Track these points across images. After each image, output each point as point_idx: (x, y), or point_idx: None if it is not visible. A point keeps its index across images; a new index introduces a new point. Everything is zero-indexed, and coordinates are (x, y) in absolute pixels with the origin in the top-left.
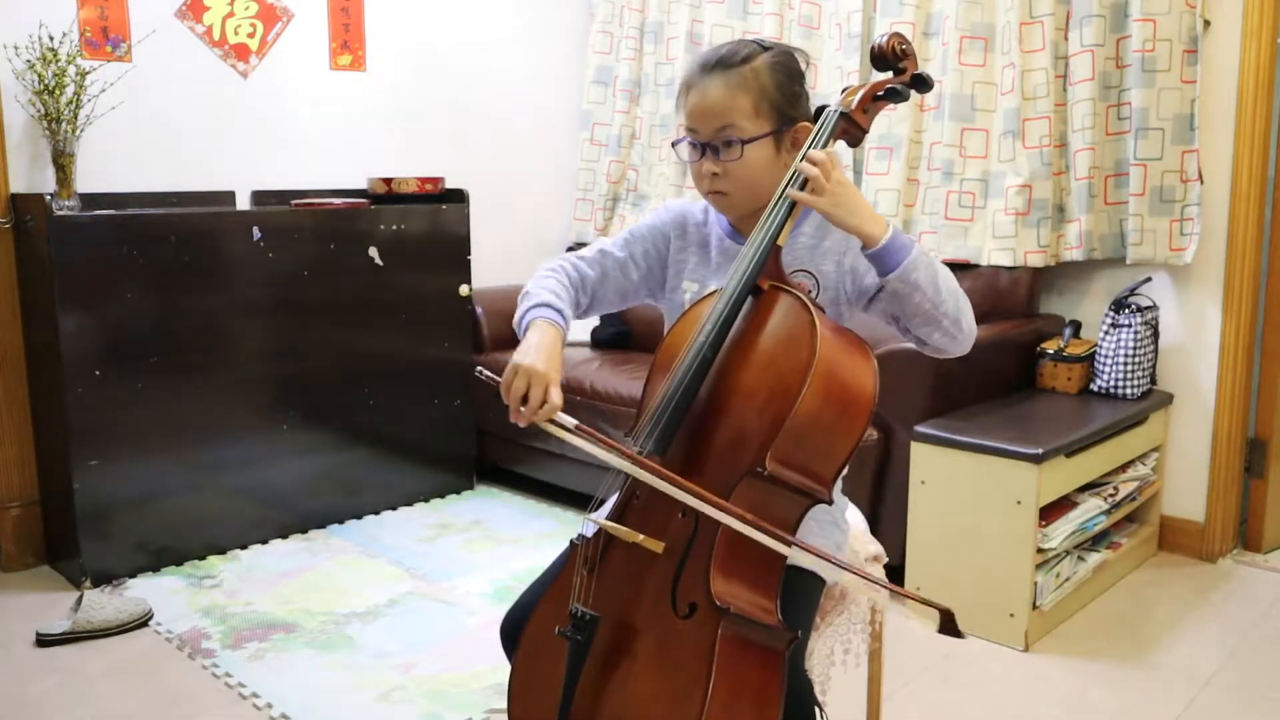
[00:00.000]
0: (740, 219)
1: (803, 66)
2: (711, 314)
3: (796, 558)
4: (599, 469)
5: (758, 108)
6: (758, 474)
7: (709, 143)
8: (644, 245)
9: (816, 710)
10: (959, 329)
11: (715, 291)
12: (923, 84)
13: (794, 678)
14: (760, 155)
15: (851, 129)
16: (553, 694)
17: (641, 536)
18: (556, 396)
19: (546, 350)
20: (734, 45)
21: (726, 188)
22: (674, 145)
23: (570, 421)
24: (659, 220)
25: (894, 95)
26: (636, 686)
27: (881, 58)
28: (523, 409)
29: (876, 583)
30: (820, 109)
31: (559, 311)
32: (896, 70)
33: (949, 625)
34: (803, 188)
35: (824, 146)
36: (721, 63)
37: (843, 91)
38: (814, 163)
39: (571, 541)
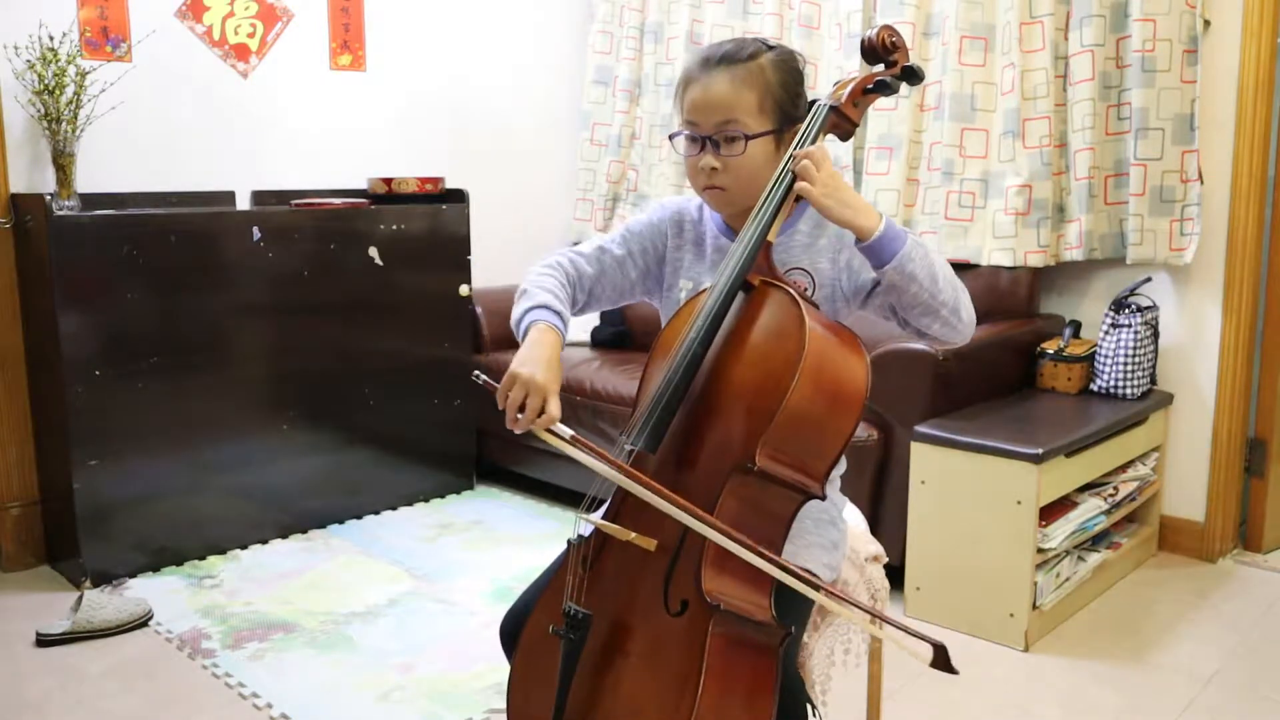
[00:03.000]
0: (734, 216)
1: (802, 69)
2: (702, 310)
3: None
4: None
5: (762, 104)
6: (748, 469)
7: (709, 136)
8: (642, 242)
9: (809, 709)
10: (958, 318)
11: (709, 289)
12: (913, 76)
13: (785, 675)
14: (761, 152)
15: (842, 122)
16: (552, 693)
17: (634, 535)
18: (555, 408)
19: (545, 359)
20: (738, 41)
21: (724, 183)
22: (671, 138)
23: (566, 432)
24: (657, 217)
25: (883, 88)
26: (630, 685)
27: (872, 51)
28: (520, 416)
29: (870, 612)
30: (811, 103)
31: (558, 314)
32: (887, 63)
33: (942, 660)
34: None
35: (814, 140)
36: (727, 58)
37: (834, 85)
38: (805, 155)
39: (569, 541)
